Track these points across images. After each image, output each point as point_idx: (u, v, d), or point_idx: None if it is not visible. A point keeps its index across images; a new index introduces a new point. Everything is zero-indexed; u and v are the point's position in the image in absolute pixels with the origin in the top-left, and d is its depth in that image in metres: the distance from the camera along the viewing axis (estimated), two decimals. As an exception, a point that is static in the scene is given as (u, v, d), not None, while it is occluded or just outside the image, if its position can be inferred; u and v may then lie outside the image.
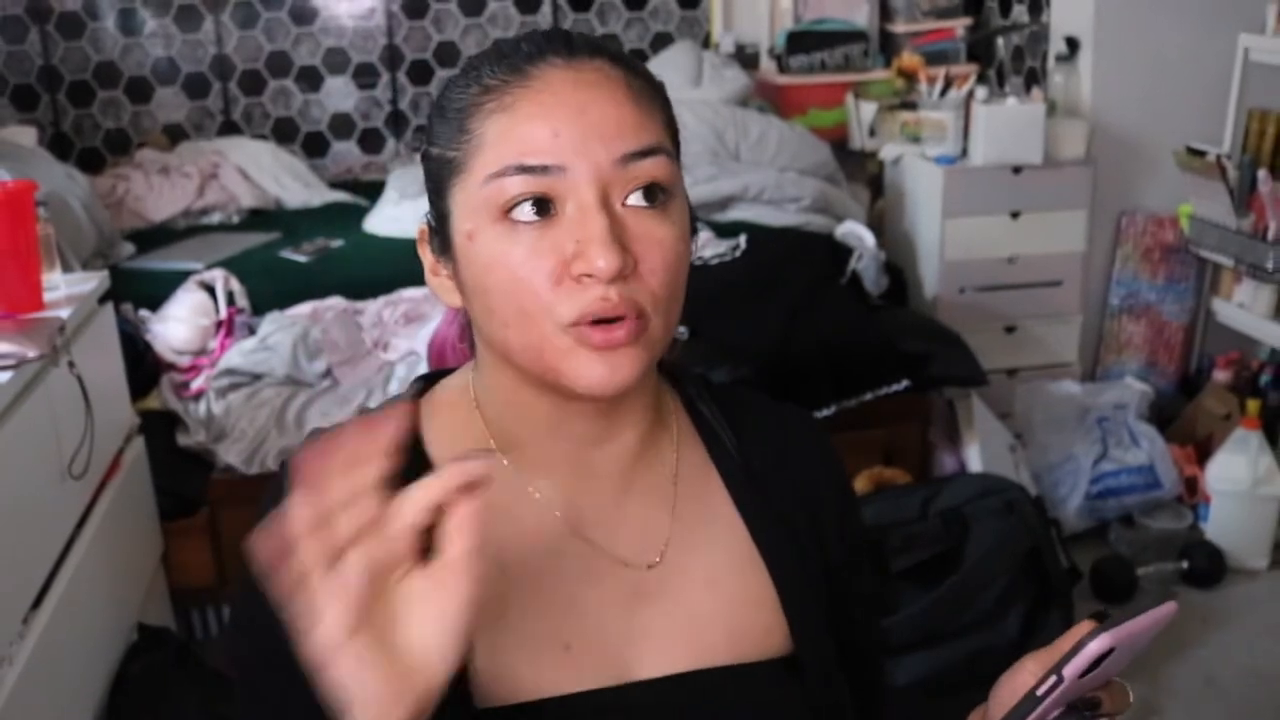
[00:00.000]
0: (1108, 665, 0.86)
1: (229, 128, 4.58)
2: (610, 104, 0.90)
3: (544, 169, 0.88)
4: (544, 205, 0.89)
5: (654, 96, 0.95)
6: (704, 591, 1.01)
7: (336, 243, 3.61)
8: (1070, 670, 0.85)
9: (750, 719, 1.00)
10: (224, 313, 3.10)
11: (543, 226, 0.89)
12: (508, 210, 0.89)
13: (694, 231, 0.99)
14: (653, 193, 0.91)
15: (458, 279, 0.96)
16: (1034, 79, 4.02)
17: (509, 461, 1.00)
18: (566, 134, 0.88)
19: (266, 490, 0.99)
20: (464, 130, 0.92)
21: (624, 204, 0.90)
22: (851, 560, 1.12)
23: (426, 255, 1.00)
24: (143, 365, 2.92)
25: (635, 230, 0.90)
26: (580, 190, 0.88)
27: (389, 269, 3.29)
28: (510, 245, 0.89)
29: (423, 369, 2.77)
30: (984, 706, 1.00)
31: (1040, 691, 0.86)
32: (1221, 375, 3.62)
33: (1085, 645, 0.84)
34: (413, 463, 0.94)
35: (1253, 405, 3.25)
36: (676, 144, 0.97)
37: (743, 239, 3.38)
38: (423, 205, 1.00)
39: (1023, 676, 0.93)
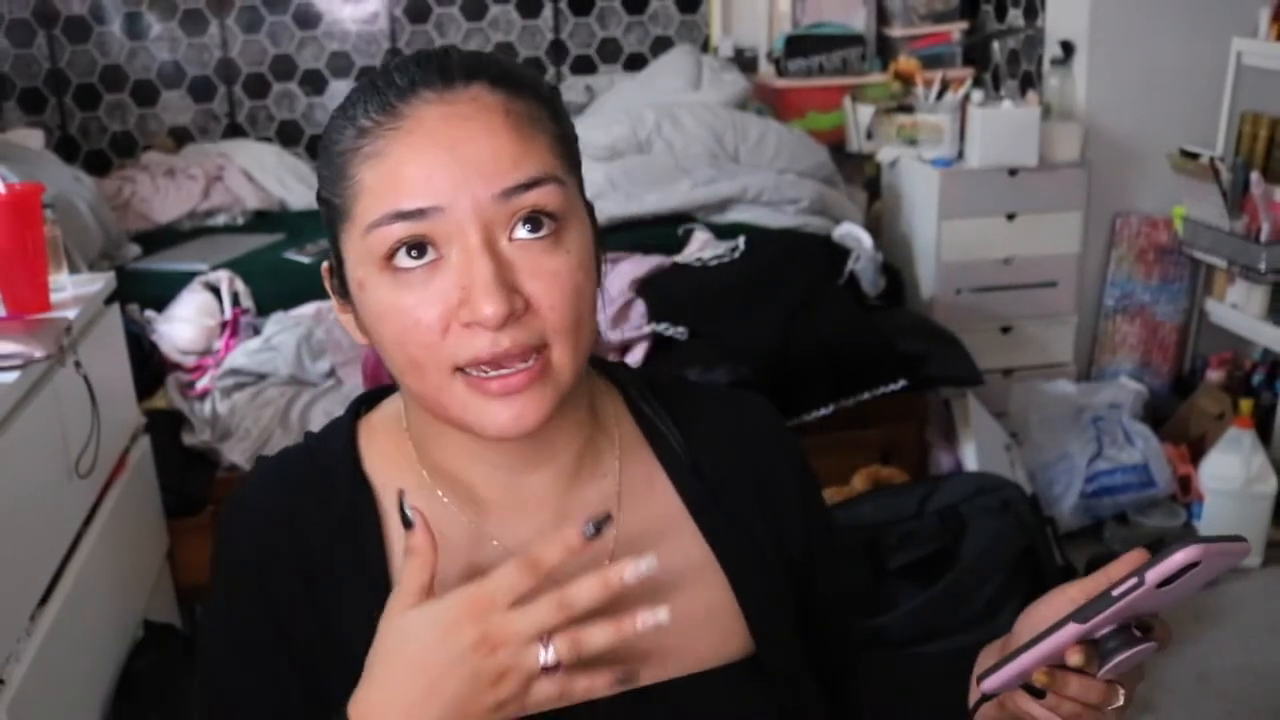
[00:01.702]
0: (1177, 588, 0.83)
1: (234, 130, 4.58)
2: (485, 137, 0.86)
3: (420, 213, 0.85)
4: (422, 249, 0.86)
5: (538, 116, 0.90)
6: (657, 602, 0.97)
7: None
8: (1153, 575, 0.81)
9: None
10: (229, 313, 3.10)
11: (428, 271, 0.86)
12: (390, 258, 0.86)
13: (600, 238, 0.96)
14: (538, 222, 0.87)
15: (359, 321, 0.94)
16: (1029, 82, 4.01)
17: (442, 491, 0.98)
18: (441, 175, 0.85)
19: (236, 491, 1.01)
20: (344, 176, 0.88)
21: (510, 239, 0.86)
22: (813, 545, 1.09)
23: (332, 293, 0.98)
24: (148, 365, 2.92)
25: (526, 267, 0.86)
26: (463, 230, 0.85)
27: None
28: (397, 295, 0.87)
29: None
30: (1001, 640, 1.00)
31: (1117, 592, 0.83)
32: (1215, 375, 3.62)
33: (1174, 553, 0.80)
34: (354, 485, 0.98)
35: (1245, 405, 3.26)
36: (575, 157, 0.94)
37: (741, 240, 3.38)
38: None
39: (1061, 601, 0.91)
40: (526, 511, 0.98)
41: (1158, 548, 0.83)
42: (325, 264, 0.98)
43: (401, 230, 0.85)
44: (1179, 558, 0.80)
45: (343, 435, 1.01)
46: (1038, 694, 0.90)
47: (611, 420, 1.04)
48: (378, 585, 0.94)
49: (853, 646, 1.16)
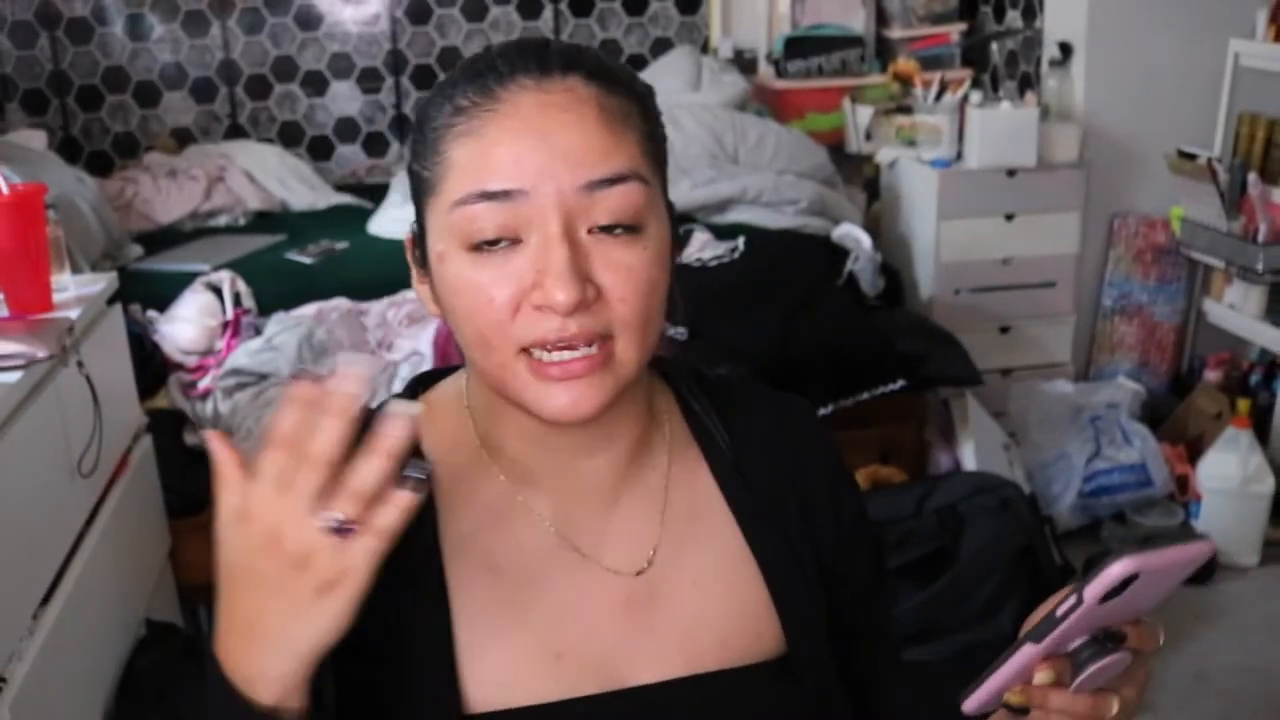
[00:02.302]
0: (1133, 597, 0.81)
1: (235, 131, 4.59)
2: (577, 128, 0.87)
3: (505, 194, 0.86)
4: (508, 241, 0.87)
5: (629, 113, 0.91)
6: (694, 596, 1.00)
7: (341, 244, 3.61)
8: (1090, 592, 0.80)
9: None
10: (230, 313, 3.08)
11: (507, 253, 0.88)
12: (471, 236, 0.88)
13: (678, 239, 0.97)
14: (617, 228, 0.88)
15: (434, 292, 0.95)
16: (1028, 83, 4.03)
17: (499, 468, 1.00)
18: (530, 159, 0.86)
19: None
20: (436, 151, 0.90)
21: (589, 231, 0.88)
22: (845, 539, 1.10)
23: (412, 263, 0.99)
24: (151, 365, 2.90)
25: (602, 257, 0.88)
26: (544, 216, 0.86)
27: (393, 270, 3.24)
28: (474, 272, 0.88)
29: (426, 369, 2.79)
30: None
31: (1060, 612, 0.82)
32: (1212, 375, 3.64)
33: (1108, 567, 0.79)
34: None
35: (1243, 404, 3.27)
36: (660, 157, 0.95)
37: (741, 241, 3.39)
38: (425, 209, 0.98)
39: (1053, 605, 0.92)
40: (580, 496, 1.00)
41: (1102, 560, 0.80)
42: (408, 235, 0.99)
43: (485, 210, 0.87)
44: (1114, 571, 0.79)
45: None
46: (1021, 711, 0.89)
47: (664, 414, 1.06)
48: (425, 553, 0.95)
49: (882, 658, 1.15)
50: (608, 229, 0.88)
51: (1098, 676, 0.86)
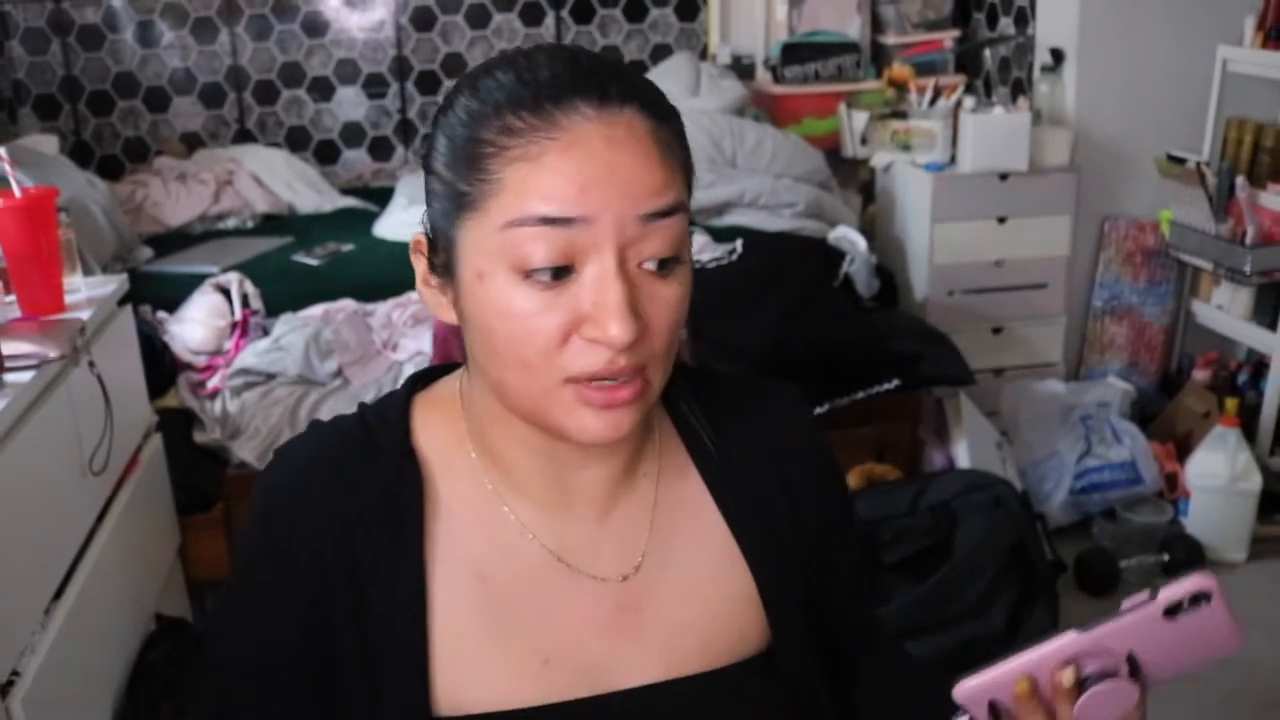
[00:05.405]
0: (1174, 635, 0.82)
1: (244, 136, 4.61)
2: (639, 163, 0.86)
3: (567, 221, 0.84)
4: (562, 271, 0.86)
5: (675, 139, 0.91)
6: (681, 598, 1.00)
7: (347, 247, 3.61)
8: (1165, 594, 0.80)
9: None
10: (239, 314, 3.11)
11: (560, 282, 0.86)
12: (526, 273, 0.86)
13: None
14: (667, 263, 0.88)
15: (458, 305, 0.93)
16: (1020, 89, 4.04)
17: (488, 477, 0.99)
18: (596, 190, 0.84)
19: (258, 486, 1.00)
20: (482, 170, 0.87)
21: (639, 267, 0.87)
22: (833, 526, 1.10)
23: (419, 264, 0.97)
24: (161, 365, 2.92)
25: (647, 292, 0.88)
26: (600, 248, 0.85)
27: (398, 272, 3.15)
28: (522, 298, 0.87)
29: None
30: None
31: (1127, 604, 0.81)
32: (1201, 375, 3.64)
33: (1189, 576, 0.79)
34: (402, 454, 0.99)
35: (1231, 404, 3.27)
36: (690, 171, 0.94)
37: (739, 243, 3.40)
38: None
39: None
40: (571, 507, 1.00)
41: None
42: (418, 236, 0.97)
43: (542, 234, 0.85)
44: (1192, 581, 0.79)
45: (398, 406, 1.02)
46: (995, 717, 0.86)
47: (655, 419, 1.05)
48: (406, 546, 0.96)
49: (865, 635, 1.15)
50: (655, 264, 0.88)
51: (1098, 699, 0.84)
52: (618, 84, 0.88)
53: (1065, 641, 0.83)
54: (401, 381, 1.07)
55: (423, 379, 1.06)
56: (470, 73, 0.92)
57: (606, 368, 0.87)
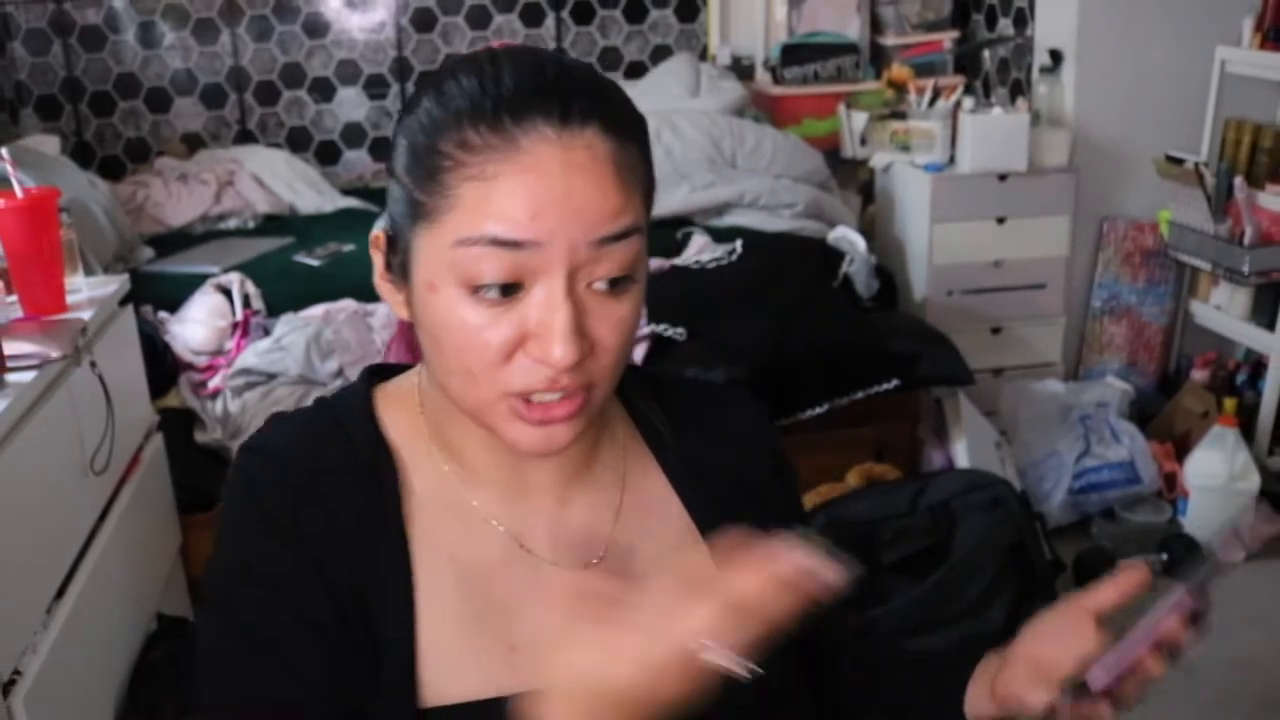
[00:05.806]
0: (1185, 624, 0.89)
1: (245, 136, 4.62)
2: (595, 187, 0.86)
3: (516, 244, 0.84)
4: (511, 289, 0.86)
5: (636, 164, 0.90)
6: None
7: (348, 247, 3.62)
8: (1224, 541, 0.86)
9: (696, 709, 1.00)
10: (240, 314, 3.12)
11: (507, 299, 0.87)
12: (473, 278, 0.86)
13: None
14: (619, 282, 0.88)
15: (410, 306, 0.94)
16: (1019, 90, 4.05)
17: (450, 468, 1.00)
18: (548, 215, 0.84)
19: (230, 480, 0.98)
20: (438, 182, 0.87)
21: (589, 287, 0.87)
22: (788, 517, 1.09)
23: (378, 259, 0.97)
24: (162, 365, 2.94)
25: (596, 312, 0.88)
26: (550, 270, 0.85)
27: None
28: (470, 312, 0.87)
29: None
30: (1000, 653, 1.04)
31: (1124, 565, 0.87)
32: (1199, 375, 3.64)
33: (1258, 527, 0.85)
34: (373, 440, 0.99)
35: (1229, 403, 3.27)
36: (650, 187, 0.93)
37: (739, 243, 3.41)
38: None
39: (1074, 611, 0.99)
40: (530, 498, 1.00)
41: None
42: (378, 231, 0.96)
43: (492, 254, 0.85)
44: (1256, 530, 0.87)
45: (360, 397, 1.03)
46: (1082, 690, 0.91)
47: (614, 415, 1.07)
48: (391, 536, 0.96)
49: (841, 630, 1.15)
50: (606, 284, 0.88)
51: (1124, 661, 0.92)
52: (580, 101, 0.87)
53: (1178, 597, 0.90)
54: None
55: (379, 372, 1.07)
56: (435, 72, 0.92)
57: (549, 385, 0.88)
